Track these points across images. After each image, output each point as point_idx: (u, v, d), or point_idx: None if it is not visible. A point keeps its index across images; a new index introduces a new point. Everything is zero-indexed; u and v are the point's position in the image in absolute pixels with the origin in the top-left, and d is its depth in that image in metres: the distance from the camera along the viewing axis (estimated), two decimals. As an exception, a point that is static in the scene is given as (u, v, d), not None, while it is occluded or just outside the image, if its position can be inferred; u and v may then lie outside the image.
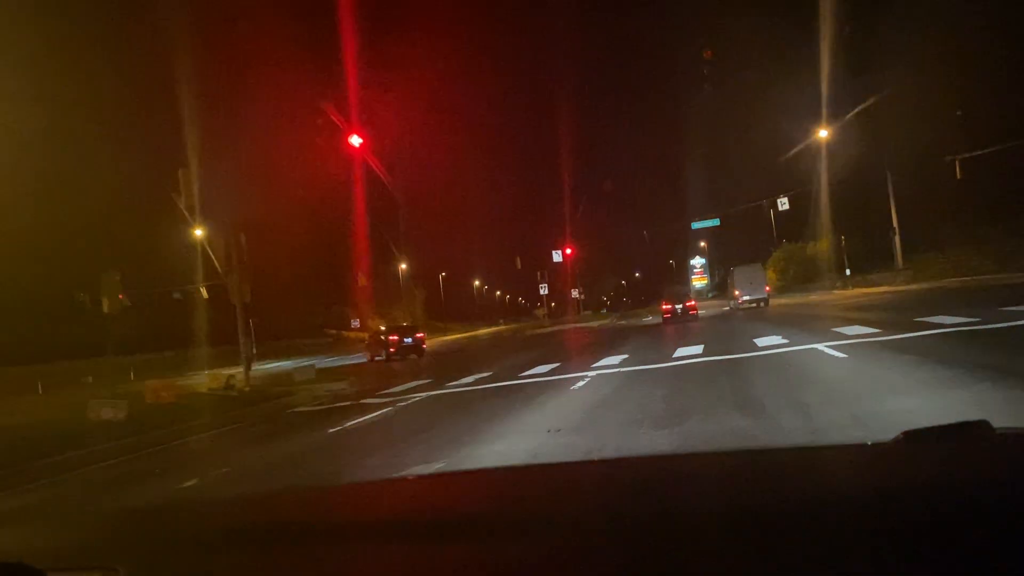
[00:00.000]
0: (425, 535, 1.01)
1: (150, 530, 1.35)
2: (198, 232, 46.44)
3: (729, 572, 0.67)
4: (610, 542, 0.83)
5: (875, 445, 1.30)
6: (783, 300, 37.81)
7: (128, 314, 24.94)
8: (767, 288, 37.49)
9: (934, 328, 10.12)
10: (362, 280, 50.38)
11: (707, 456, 1.72)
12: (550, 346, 21.74)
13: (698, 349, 12.47)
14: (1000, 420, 1.21)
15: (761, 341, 12.13)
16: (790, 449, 1.72)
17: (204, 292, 45.67)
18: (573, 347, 19.86)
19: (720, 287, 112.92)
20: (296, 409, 12.47)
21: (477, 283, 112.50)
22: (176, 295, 44.04)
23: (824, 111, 41.12)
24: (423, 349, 29.05)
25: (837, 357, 8.71)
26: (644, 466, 1.49)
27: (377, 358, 30.00)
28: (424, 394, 11.44)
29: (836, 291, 40.13)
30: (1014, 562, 0.61)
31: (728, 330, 17.74)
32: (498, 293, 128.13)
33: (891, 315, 14.92)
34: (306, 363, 29.27)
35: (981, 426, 1.12)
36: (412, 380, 14.68)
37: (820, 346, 9.84)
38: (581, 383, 9.72)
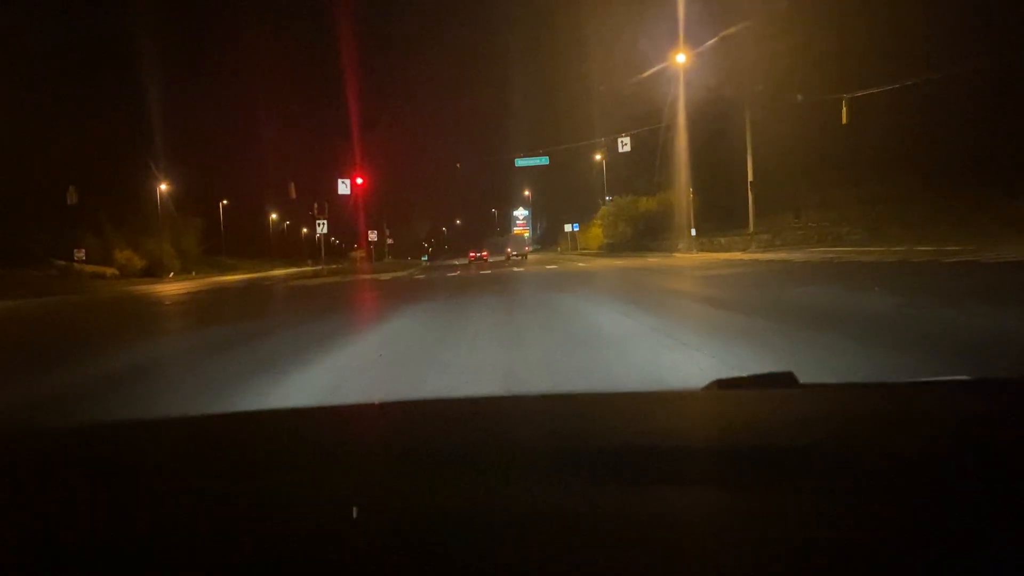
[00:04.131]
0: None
1: None
2: None
3: (542, 507, 0.71)
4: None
5: (689, 391, 1.32)
6: (617, 262, 30.28)
7: None
8: (527, 248, 60.36)
9: None
10: (72, 196, 37.39)
11: (531, 399, 1.56)
12: (201, 329, 12.09)
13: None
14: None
15: None
16: (610, 394, 1.75)
17: None
18: (224, 342, 10.18)
19: (542, 240, 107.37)
20: None
21: (274, 217, 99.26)
22: None
23: (681, 37, 33.73)
24: None
25: None
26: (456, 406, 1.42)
27: None
28: None
29: (677, 254, 33.33)
30: (804, 489, 0.69)
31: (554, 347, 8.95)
32: (304, 231, 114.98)
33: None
34: None
35: (786, 377, 1.18)
36: None
37: None
38: None
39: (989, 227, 20.93)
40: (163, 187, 54.44)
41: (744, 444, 0.87)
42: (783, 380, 1.18)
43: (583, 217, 65.75)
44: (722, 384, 1.21)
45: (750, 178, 32.46)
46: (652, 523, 0.65)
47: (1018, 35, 24.82)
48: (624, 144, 35.26)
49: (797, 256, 22.69)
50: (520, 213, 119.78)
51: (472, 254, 54.96)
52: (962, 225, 22.32)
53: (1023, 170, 22.66)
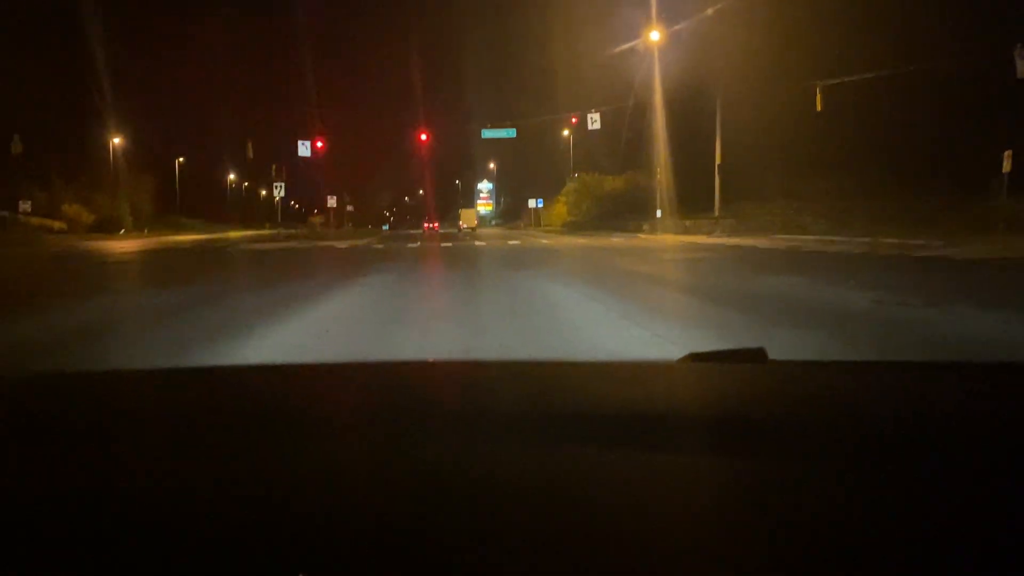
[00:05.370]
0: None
1: None
2: None
3: (507, 468, 0.71)
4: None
5: (664, 362, 1.34)
6: (581, 240, 29.90)
7: None
8: (475, 222, 66.73)
9: None
10: (16, 146, 35.61)
11: (504, 364, 1.60)
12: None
13: None
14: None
15: None
16: (583, 362, 1.71)
17: None
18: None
19: (505, 215, 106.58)
20: None
21: (233, 177, 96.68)
22: None
23: (653, 14, 33.15)
24: None
25: None
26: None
27: None
28: None
29: (641, 235, 33.05)
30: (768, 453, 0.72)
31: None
32: (263, 193, 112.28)
33: None
34: None
35: (758, 352, 1.23)
36: None
37: None
38: None
39: (952, 225, 20.95)
40: (116, 141, 52.30)
41: (716, 412, 0.90)
42: (754, 355, 1.23)
43: (548, 194, 65.19)
44: (696, 357, 1.26)
45: (718, 160, 32.23)
46: (620, 486, 0.65)
47: (989, 34, 24.84)
48: (594, 121, 34.70)
49: (762, 242, 22.52)
50: (484, 186, 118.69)
51: (426, 225, 68.69)
52: (926, 222, 22.33)
53: (989, 170, 22.71)
